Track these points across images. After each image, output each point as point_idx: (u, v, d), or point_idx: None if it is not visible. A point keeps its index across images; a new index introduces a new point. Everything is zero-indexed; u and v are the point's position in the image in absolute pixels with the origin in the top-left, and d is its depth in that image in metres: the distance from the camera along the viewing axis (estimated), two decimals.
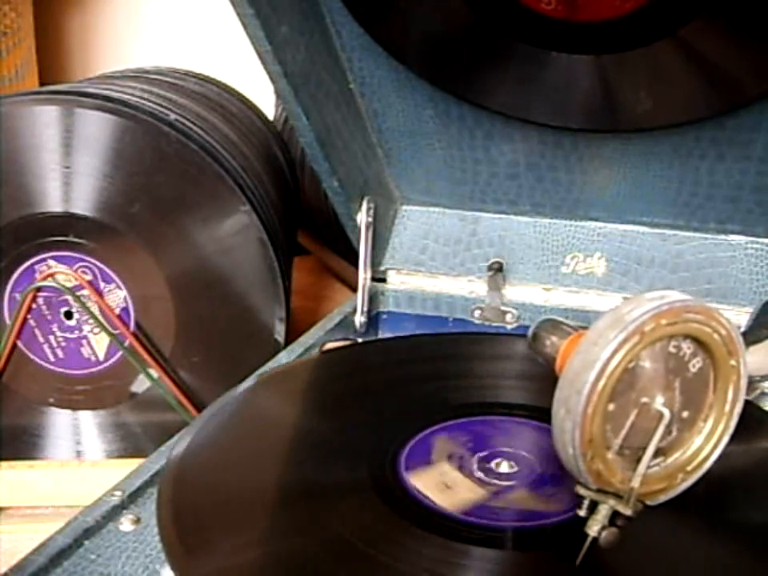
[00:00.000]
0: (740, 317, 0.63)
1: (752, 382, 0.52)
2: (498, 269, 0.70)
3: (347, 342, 0.62)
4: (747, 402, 0.49)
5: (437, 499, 0.41)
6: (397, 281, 0.73)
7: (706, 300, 0.64)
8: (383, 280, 0.73)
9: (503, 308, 0.70)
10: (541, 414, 0.47)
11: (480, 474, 0.43)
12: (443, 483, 0.43)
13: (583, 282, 0.69)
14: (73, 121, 0.65)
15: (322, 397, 0.54)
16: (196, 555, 0.37)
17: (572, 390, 0.35)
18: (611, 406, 0.36)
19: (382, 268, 0.73)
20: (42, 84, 1.24)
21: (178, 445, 0.46)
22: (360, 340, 0.65)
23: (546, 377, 0.43)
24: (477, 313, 0.70)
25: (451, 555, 0.37)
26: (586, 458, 0.36)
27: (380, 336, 0.71)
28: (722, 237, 0.66)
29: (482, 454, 0.45)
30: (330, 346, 0.61)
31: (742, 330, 0.58)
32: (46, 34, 1.33)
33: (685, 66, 0.57)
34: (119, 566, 0.40)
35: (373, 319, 0.70)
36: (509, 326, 0.69)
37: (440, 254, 0.72)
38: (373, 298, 0.70)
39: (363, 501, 0.41)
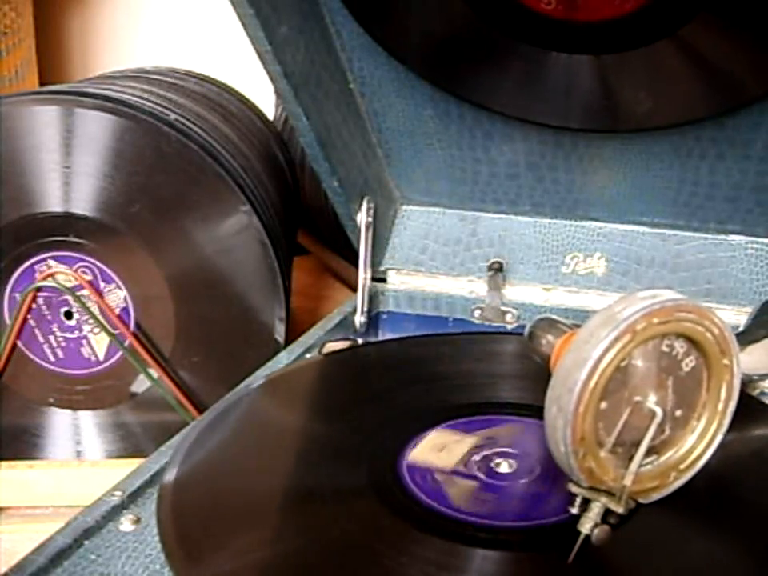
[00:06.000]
0: (740, 317, 0.63)
1: (751, 381, 0.52)
2: (498, 269, 0.69)
3: (347, 343, 0.62)
4: (749, 397, 0.49)
5: (437, 461, 0.41)
6: (397, 281, 0.73)
7: (705, 300, 0.64)
8: (383, 280, 0.73)
9: (503, 308, 0.69)
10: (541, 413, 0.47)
11: (479, 474, 0.43)
12: (436, 447, 0.43)
13: (583, 282, 0.69)
14: (73, 121, 0.65)
15: (323, 399, 0.54)
16: (197, 559, 0.38)
17: (564, 388, 0.35)
18: (603, 405, 0.36)
19: (382, 268, 0.73)
20: (42, 84, 1.24)
21: (179, 447, 0.46)
22: (360, 340, 0.65)
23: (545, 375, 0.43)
24: (477, 313, 0.70)
25: (453, 556, 0.37)
26: (577, 456, 0.36)
27: (380, 336, 0.71)
28: (722, 237, 0.66)
29: (482, 454, 0.45)
30: (330, 345, 0.61)
31: (740, 329, 0.58)
32: (46, 33, 1.33)
33: (685, 66, 0.57)
34: (119, 566, 0.40)
35: (373, 319, 0.70)
36: (509, 326, 0.69)
37: (440, 254, 0.72)
38: (373, 298, 0.70)
39: (365, 503, 0.41)
